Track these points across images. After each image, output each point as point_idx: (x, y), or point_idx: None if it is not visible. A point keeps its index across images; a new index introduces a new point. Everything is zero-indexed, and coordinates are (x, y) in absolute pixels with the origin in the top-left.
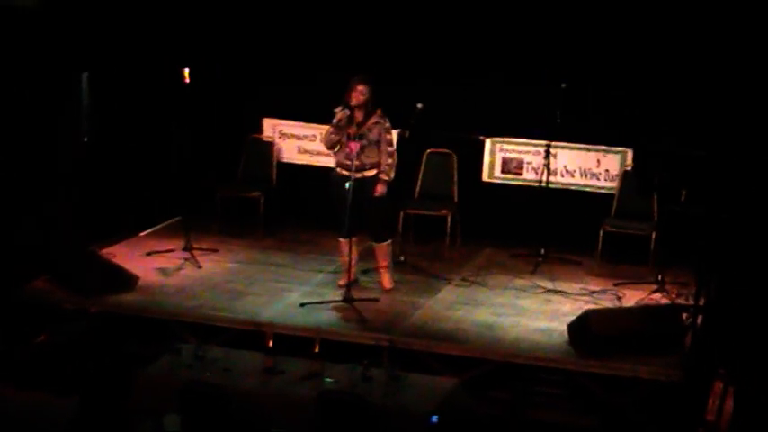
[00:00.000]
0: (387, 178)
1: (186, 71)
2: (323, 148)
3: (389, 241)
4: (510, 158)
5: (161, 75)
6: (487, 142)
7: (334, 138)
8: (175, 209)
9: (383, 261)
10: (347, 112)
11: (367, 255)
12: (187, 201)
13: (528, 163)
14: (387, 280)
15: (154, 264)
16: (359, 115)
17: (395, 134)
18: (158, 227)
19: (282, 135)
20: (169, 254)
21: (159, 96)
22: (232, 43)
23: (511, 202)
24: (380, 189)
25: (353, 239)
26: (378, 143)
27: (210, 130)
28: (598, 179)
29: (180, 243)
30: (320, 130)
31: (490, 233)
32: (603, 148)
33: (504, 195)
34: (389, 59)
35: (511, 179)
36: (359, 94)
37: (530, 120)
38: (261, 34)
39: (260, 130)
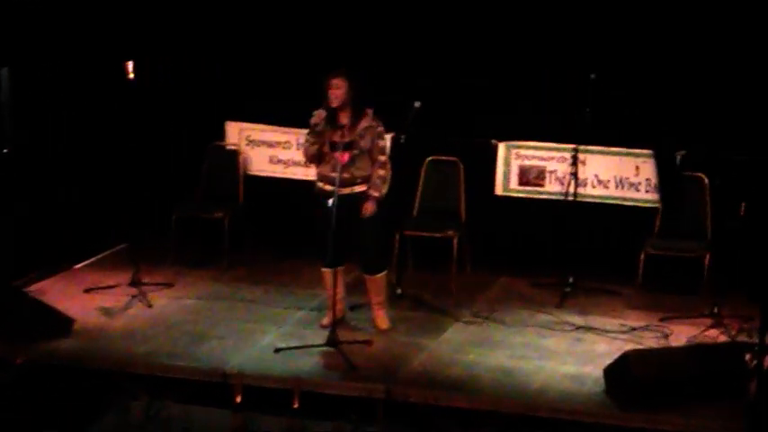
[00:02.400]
0: (377, 194)
1: (130, 64)
2: (301, 158)
3: (384, 272)
4: (529, 167)
5: (100, 69)
6: (501, 147)
7: (313, 150)
8: (120, 234)
9: (376, 295)
10: (322, 113)
11: (357, 287)
12: (134, 224)
13: (551, 172)
14: (381, 318)
15: (94, 302)
16: (344, 118)
17: (388, 139)
18: (99, 257)
19: (251, 142)
20: (113, 290)
21: (98, 96)
22: (186, 29)
23: (531, 219)
24: (370, 208)
25: (340, 269)
26: (370, 152)
27: (162, 137)
28: (637, 190)
29: (126, 276)
30: (298, 136)
31: (506, 258)
32: (644, 151)
33: (523, 212)
34: (380, 50)
35: (530, 192)
36: (335, 89)
37: (552, 119)
38: (223, 17)
39: (223, 135)
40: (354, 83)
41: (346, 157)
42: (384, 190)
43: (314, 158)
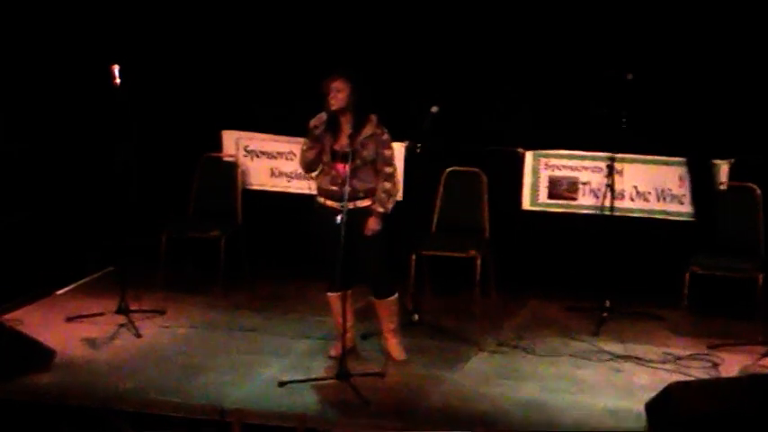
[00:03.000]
0: (382, 210)
1: (116, 68)
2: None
3: (395, 295)
4: (559, 178)
5: (83, 74)
6: (528, 156)
7: (310, 155)
8: (105, 256)
9: (389, 322)
10: (323, 116)
11: (367, 313)
12: (121, 244)
13: (584, 183)
14: (395, 347)
15: (77, 332)
16: (345, 124)
17: (400, 148)
18: (82, 282)
19: (249, 153)
20: (98, 318)
21: (80, 103)
22: (177, 29)
23: (562, 236)
24: (373, 225)
25: (348, 293)
26: (374, 162)
27: (151, 148)
28: (681, 203)
29: (112, 303)
30: (299, 145)
31: (536, 280)
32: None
33: (553, 228)
34: (392, 49)
35: (561, 206)
36: (335, 92)
37: (585, 124)
38: (218, 14)
39: (218, 146)
40: (357, 85)
41: (346, 169)
42: (390, 205)
43: (311, 166)
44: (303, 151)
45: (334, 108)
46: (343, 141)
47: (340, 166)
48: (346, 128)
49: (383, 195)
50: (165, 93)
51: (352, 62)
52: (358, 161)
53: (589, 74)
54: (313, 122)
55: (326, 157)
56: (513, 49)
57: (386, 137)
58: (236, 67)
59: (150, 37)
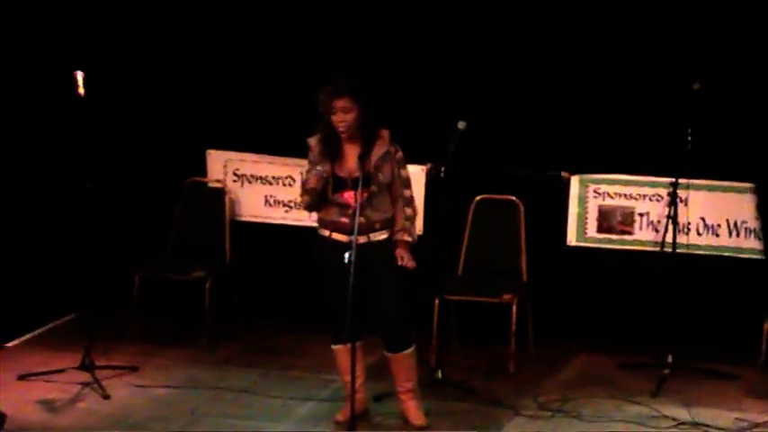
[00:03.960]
0: (410, 239)
1: (79, 76)
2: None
3: (412, 348)
4: (612, 208)
5: (40, 82)
6: (574, 182)
7: (314, 195)
8: (67, 300)
9: (406, 380)
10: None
11: (381, 370)
12: (86, 287)
13: (641, 214)
14: (414, 411)
15: (33, 393)
16: (351, 146)
17: (418, 171)
18: (39, 331)
19: (240, 177)
20: (57, 376)
21: (38, 114)
22: (155, 31)
23: (615, 278)
24: (407, 257)
25: (358, 345)
26: (390, 186)
27: (123, 171)
28: (759, 238)
29: (75, 357)
30: (300, 168)
31: (583, 330)
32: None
33: (604, 268)
34: (404, 53)
35: (614, 242)
36: (343, 113)
37: (641, 144)
38: (204, 14)
39: (203, 169)
40: (367, 102)
41: (362, 197)
42: (415, 234)
43: (314, 206)
44: (305, 190)
45: (344, 135)
46: (349, 165)
47: (348, 195)
48: (351, 149)
49: (407, 223)
50: (138, 105)
51: (357, 69)
52: (374, 188)
53: (647, 84)
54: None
55: (330, 191)
56: (557, 51)
57: (400, 155)
58: (224, 75)
59: (121, 37)
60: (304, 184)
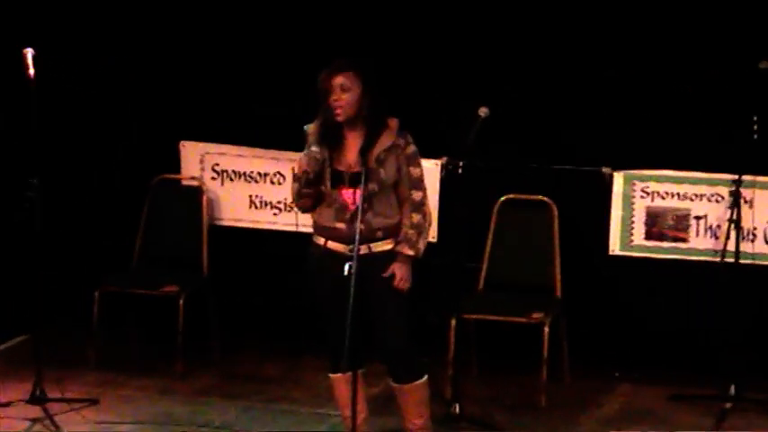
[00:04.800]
0: (413, 253)
1: (29, 54)
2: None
3: (424, 378)
4: (662, 210)
5: None
6: (618, 179)
7: (306, 200)
8: (14, 321)
9: (417, 416)
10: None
11: (387, 403)
12: (37, 305)
13: (698, 218)
14: None
15: None
16: (351, 133)
17: (431, 166)
18: None
19: (219, 174)
20: (3, 410)
21: None
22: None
23: (666, 294)
24: (402, 275)
25: (359, 374)
26: (396, 185)
27: (80, 167)
28: None
29: (24, 388)
30: (291, 162)
31: (627, 356)
32: None
33: (654, 281)
34: (417, 29)
35: (665, 250)
36: (340, 93)
37: (698, 133)
38: None
39: (176, 164)
40: (370, 81)
41: (357, 196)
42: (422, 246)
43: (310, 209)
44: (296, 185)
45: (340, 117)
46: (350, 158)
47: (346, 193)
48: (353, 139)
49: (411, 232)
50: (98, 87)
51: (362, 47)
52: (374, 185)
53: (706, 61)
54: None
55: (327, 185)
56: (596, 28)
57: (412, 149)
58: (201, 52)
59: (78, 9)
60: (294, 189)
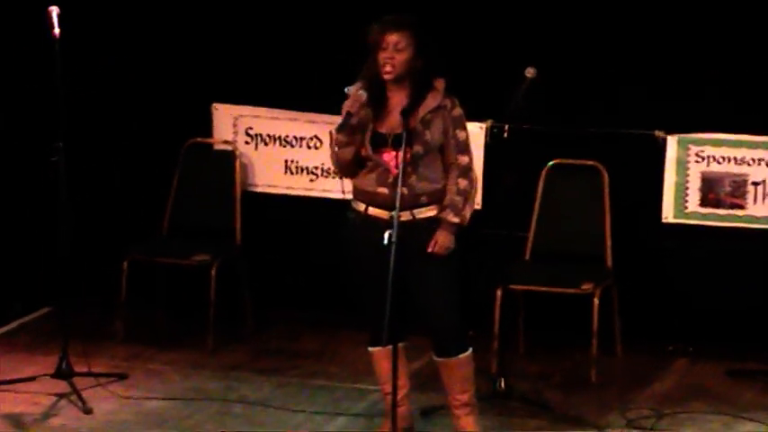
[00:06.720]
0: (458, 220)
1: (54, 12)
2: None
3: (468, 352)
4: (719, 175)
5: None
6: (671, 143)
7: (348, 152)
8: (39, 293)
9: (461, 392)
10: (362, 96)
11: (430, 378)
12: (62, 275)
13: (756, 184)
14: (471, 428)
15: None
16: (395, 94)
17: (475, 130)
18: (4, 329)
19: (253, 138)
20: (28, 385)
21: (4, 64)
22: None
23: (724, 263)
24: (445, 242)
25: (400, 348)
26: (442, 149)
27: (108, 131)
28: None
29: (49, 363)
30: (329, 126)
31: (682, 328)
32: None
33: (710, 251)
34: None
35: (722, 218)
36: (393, 51)
37: (756, 94)
38: None
39: (208, 128)
40: (424, 42)
41: (399, 159)
42: (468, 213)
43: (349, 168)
44: (336, 147)
45: (389, 76)
46: (393, 120)
47: (389, 156)
48: (395, 99)
49: (458, 198)
50: (127, 48)
51: (407, 4)
52: (419, 147)
53: (762, 21)
54: (349, 104)
55: (367, 148)
56: None
57: (458, 112)
58: (235, 6)
59: None
60: (334, 143)
